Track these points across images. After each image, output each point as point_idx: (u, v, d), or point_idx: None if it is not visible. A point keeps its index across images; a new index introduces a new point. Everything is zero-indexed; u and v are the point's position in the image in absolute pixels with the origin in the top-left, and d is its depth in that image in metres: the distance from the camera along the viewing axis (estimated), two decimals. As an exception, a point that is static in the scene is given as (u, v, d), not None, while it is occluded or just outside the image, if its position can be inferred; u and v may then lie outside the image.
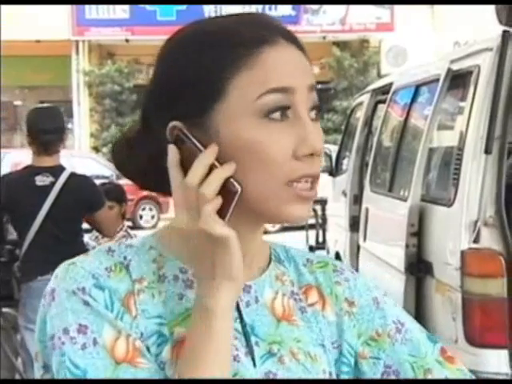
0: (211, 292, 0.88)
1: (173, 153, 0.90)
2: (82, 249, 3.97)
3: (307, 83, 0.92)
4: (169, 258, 0.95)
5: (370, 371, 1.01)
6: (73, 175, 3.94)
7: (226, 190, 0.89)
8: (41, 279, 3.66)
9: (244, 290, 0.96)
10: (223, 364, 0.87)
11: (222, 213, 0.88)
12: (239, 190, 0.89)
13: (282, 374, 0.95)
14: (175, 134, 0.91)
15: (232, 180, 0.89)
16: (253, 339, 0.95)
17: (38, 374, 0.94)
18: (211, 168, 0.89)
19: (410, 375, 1.00)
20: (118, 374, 0.86)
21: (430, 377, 1.00)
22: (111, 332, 0.88)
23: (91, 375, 0.85)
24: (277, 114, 0.90)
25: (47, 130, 3.85)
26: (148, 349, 0.90)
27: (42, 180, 3.85)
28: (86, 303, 0.89)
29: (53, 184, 3.84)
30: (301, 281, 1.03)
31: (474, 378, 1.03)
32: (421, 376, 1.00)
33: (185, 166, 0.90)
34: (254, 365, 0.94)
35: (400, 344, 1.01)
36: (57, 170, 3.89)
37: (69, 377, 0.86)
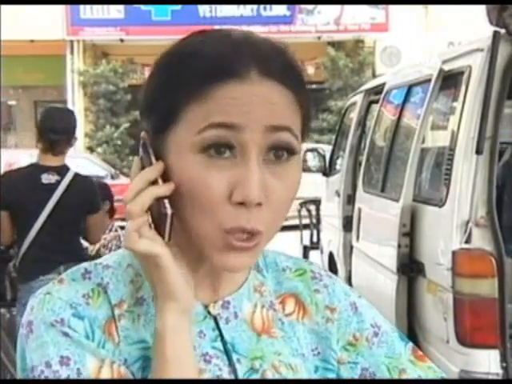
0: (158, 314, 0.87)
1: (135, 164, 0.90)
2: (80, 248, 4.00)
3: (265, 122, 0.84)
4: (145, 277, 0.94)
5: (348, 376, 1.01)
6: (77, 175, 3.94)
7: (160, 211, 0.86)
8: (43, 279, 3.63)
9: (223, 307, 0.95)
10: None
11: (161, 233, 0.87)
12: (169, 212, 0.85)
13: None
14: (142, 144, 0.91)
15: (165, 201, 0.85)
16: (234, 356, 0.93)
17: None
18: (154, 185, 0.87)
19: (385, 376, 1.01)
20: None
21: (404, 376, 1.01)
22: (94, 361, 0.86)
23: None
24: (213, 151, 0.85)
25: (56, 130, 3.84)
26: (133, 374, 0.88)
27: (47, 178, 3.84)
28: (66, 334, 0.87)
29: (58, 182, 3.84)
30: (278, 290, 1.02)
31: (443, 374, 1.03)
32: (396, 376, 1.00)
33: None
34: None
35: (377, 347, 1.02)
36: (62, 170, 3.90)
37: None
